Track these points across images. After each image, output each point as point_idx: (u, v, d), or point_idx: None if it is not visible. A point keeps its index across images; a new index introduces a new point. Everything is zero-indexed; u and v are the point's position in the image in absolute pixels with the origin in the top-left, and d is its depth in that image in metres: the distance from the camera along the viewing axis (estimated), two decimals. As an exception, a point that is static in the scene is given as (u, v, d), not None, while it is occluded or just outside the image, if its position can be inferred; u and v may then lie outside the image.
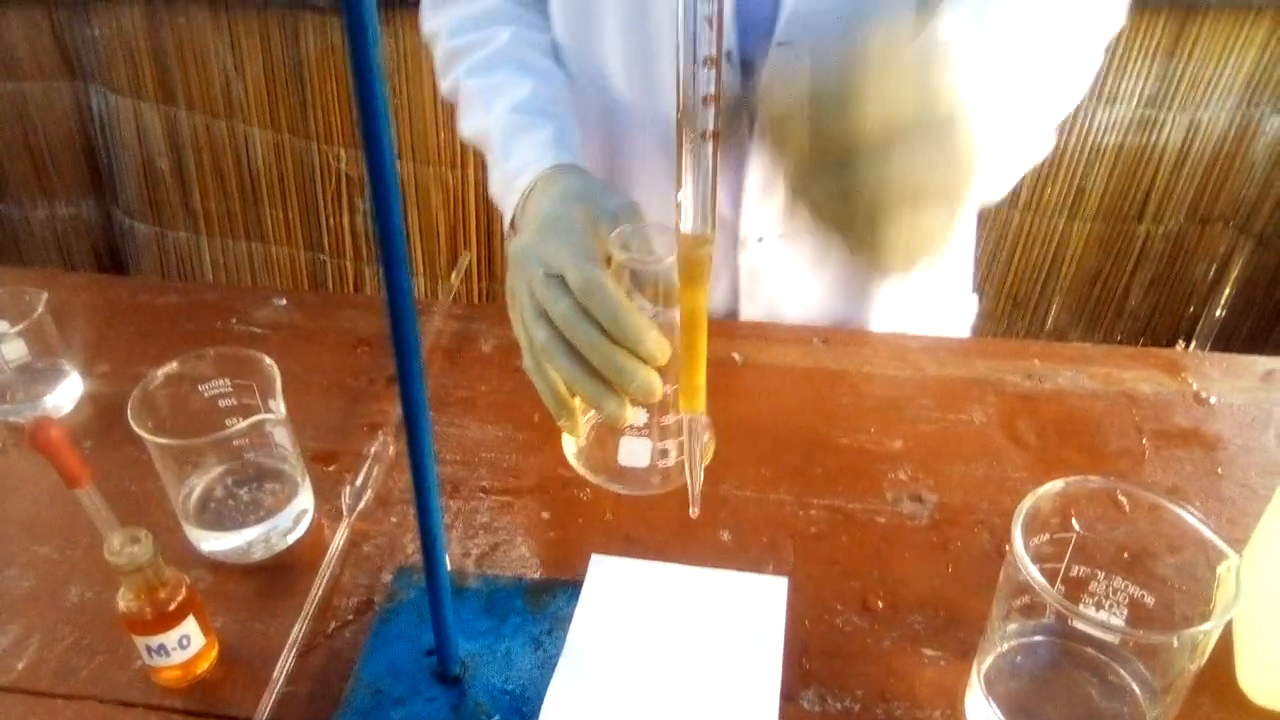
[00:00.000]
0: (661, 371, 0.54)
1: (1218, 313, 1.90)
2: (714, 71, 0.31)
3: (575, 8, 0.77)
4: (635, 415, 0.58)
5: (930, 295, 0.87)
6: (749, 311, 0.83)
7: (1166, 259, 1.83)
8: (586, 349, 0.54)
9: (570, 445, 0.65)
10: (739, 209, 0.77)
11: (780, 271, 0.81)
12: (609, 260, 0.56)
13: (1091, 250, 1.81)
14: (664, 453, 0.61)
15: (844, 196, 0.47)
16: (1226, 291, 1.87)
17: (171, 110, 1.78)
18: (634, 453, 0.60)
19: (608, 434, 0.62)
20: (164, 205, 1.89)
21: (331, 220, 1.86)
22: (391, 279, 0.39)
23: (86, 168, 1.89)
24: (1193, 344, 1.93)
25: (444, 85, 0.82)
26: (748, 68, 0.72)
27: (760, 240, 0.79)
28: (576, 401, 0.59)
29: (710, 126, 0.32)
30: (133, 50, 1.73)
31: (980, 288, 0.97)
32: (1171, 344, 1.92)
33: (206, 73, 1.73)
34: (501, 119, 0.73)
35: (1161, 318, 1.91)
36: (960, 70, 0.48)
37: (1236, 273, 1.84)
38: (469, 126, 0.78)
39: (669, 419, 0.59)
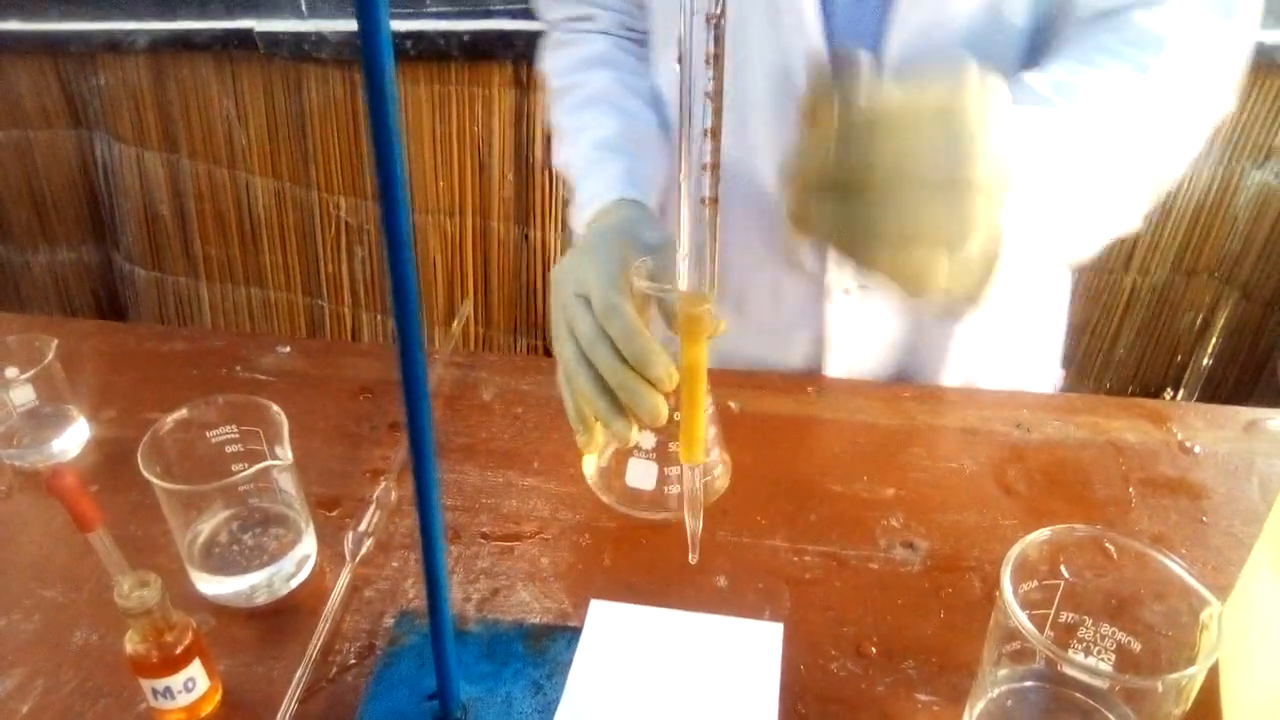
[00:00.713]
0: (671, 398, 0.57)
1: (1204, 362, 1.92)
2: (714, 143, 0.33)
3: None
4: (643, 438, 0.61)
5: (1013, 358, 0.87)
6: (834, 364, 0.84)
7: (1153, 309, 1.86)
8: (603, 369, 0.57)
9: (590, 465, 0.68)
10: (824, 261, 0.78)
11: (867, 325, 0.82)
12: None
13: (1080, 300, 1.85)
14: (670, 478, 0.63)
15: (845, 222, 0.47)
16: (1213, 342, 1.90)
17: (174, 158, 1.81)
18: (640, 475, 0.63)
19: (622, 457, 0.64)
20: (165, 251, 1.91)
21: (330, 267, 1.89)
22: (404, 327, 0.40)
23: (88, 213, 1.92)
24: (1180, 393, 1.95)
25: (549, 120, 0.87)
26: None
27: (846, 292, 0.80)
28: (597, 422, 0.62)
29: (708, 193, 0.33)
30: (138, 99, 1.76)
31: (1069, 359, 0.98)
32: (1159, 393, 1.94)
33: (209, 122, 1.76)
34: (583, 153, 0.78)
35: (1149, 367, 1.93)
36: (1013, 139, 0.49)
37: (1222, 323, 1.87)
38: (559, 158, 0.83)
39: (676, 446, 0.61)
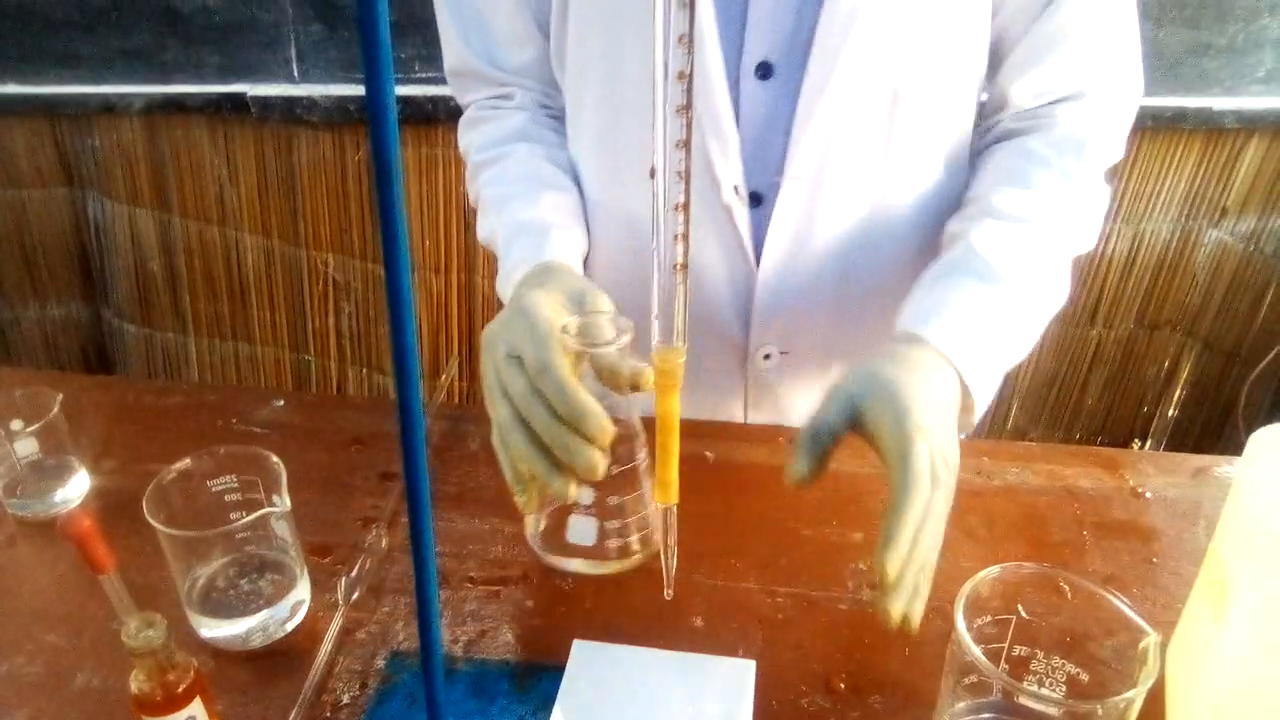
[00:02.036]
0: (610, 452, 0.58)
1: (1170, 413, 1.98)
2: (684, 215, 0.37)
3: (592, 136, 0.84)
4: (582, 494, 0.63)
5: None
6: (755, 419, 0.90)
7: (1119, 362, 1.92)
8: (538, 426, 0.58)
9: (530, 526, 0.70)
10: (748, 330, 0.84)
11: (785, 385, 0.88)
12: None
13: (1048, 353, 1.90)
14: (611, 532, 0.66)
15: None
16: (1177, 393, 1.96)
17: (165, 216, 1.85)
18: (581, 531, 0.65)
19: (561, 515, 0.67)
20: (154, 307, 1.94)
21: (317, 322, 1.92)
22: (401, 368, 0.44)
23: (79, 270, 1.95)
24: (1148, 443, 2.00)
25: (470, 193, 0.89)
26: (758, 198, 0.79)
27: (767, 357, 0.85)
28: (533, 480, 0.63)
29: (679, 260, 0.38)
30: (131, 160, 1.80)
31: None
32: (1128, 443, 2.00)
33: (201, 181, 1.81)
34: (508, 221, 0.79)
35: (1116, 418, 1.99)
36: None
37: (1186, 375, 1.93)
38: (484, 230, 0.84)
39: (615, 499, 0.64)
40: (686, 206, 0.37)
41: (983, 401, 0.68)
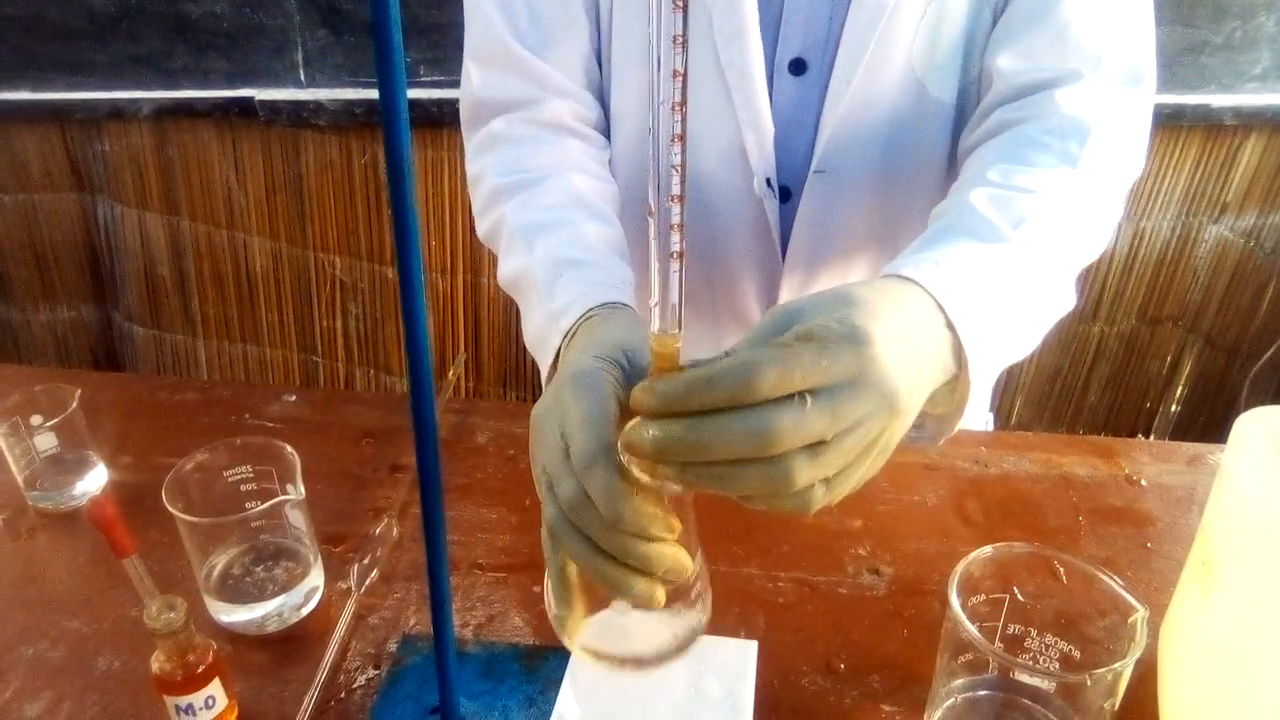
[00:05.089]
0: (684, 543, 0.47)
1: (1173, 408, 1.99)
2: (680, 206, 0.39)
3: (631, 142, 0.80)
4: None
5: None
6: None
7: (1121, 358, 1.93)
8: (596, 536, 0.46)
9: (578, 641, 0.51)
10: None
11: None
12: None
13: (1050, 349, 1.92)
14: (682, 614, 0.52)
15: None
16: (1179, 388, 1.97)
17: (174, 220, 1.88)
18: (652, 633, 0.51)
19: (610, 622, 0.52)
20: (163, 309, 1.97)
21: (325, 323, 1.94)
22: (415, 369, 0.46)
23: (89, 274, 1.97)
24: (1151, 437, 2.02)
25: (483, 227, 0.77)
26: (787, 192, 0.80)
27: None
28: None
29: (676, 249, 0.40)
30: (140, 164, 1.83)
31: (995, 408, 0.99)
32: (1130, 438, 2.01)
33: (209, 185, 1.83)
34: (550, 254, 0.65)
35: (1119, 413, 2.00)
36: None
37: (1188, 370, 1.95)
38: (510, 267, 0.70)
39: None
40: (683, 198, 0.39)
41: (979, 369, 0.52)
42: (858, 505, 0.76)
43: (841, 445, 0.44)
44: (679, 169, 0.38)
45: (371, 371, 1.99)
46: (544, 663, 0.62)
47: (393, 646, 0.64)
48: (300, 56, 1.68)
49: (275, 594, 0.65)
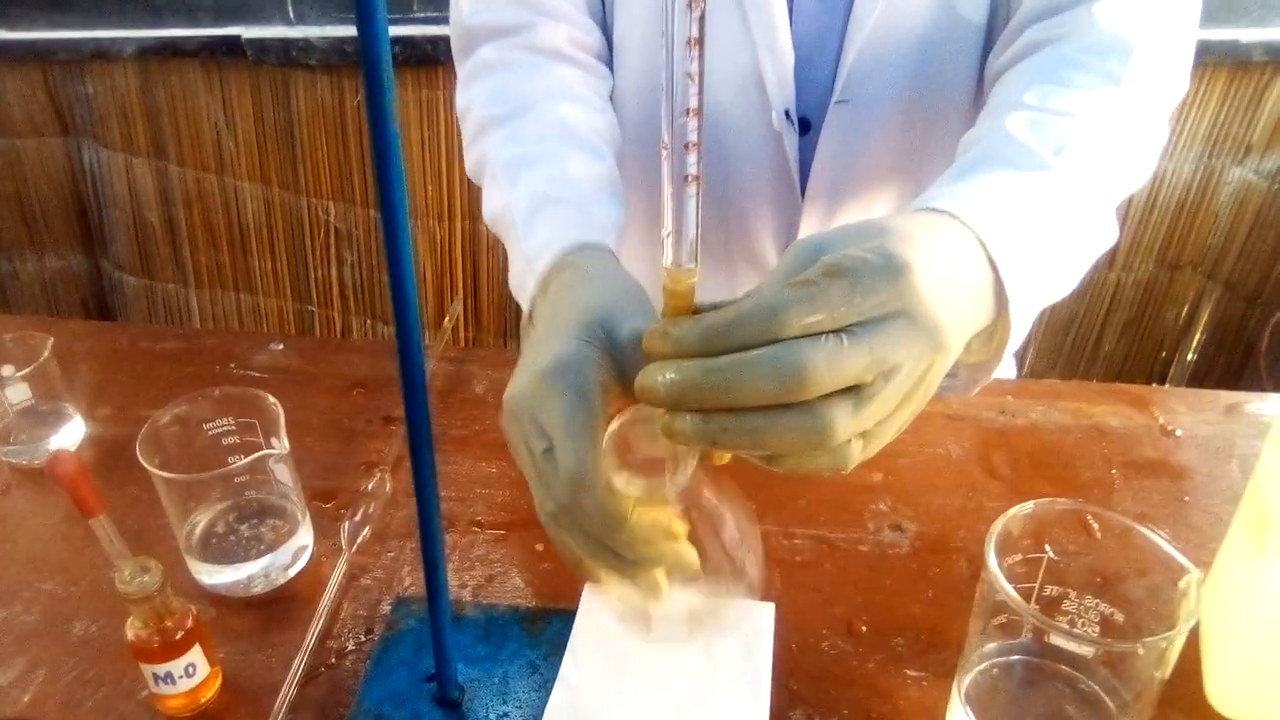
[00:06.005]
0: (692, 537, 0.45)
1: (1190, 356, 1.95)
2: (696, 120, 0.34)
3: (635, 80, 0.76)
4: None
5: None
6: None
7: (1138, 305, 1.88)
8: (597, 534, 0.44)
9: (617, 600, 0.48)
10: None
11: None
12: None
13: (1066, 297, 1.87)
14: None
15: None
16: (1198, 335, 1.92)
17: (163, 165, 1.82)
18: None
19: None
20: (153, 258, 1.92)
21: (319, 272, 1.89)
22: (401, 319, 0.42)
23: (77, 222, 1.92)
24: (1167, 386, 1.97)
25: (470, 161, 0.72)
26: (806, 124, 0.75)
27: None
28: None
29: (691, 171, 0.35)
30: (125, 107, 1.76)
31: (1019, 354, 0.93)
32: (1161, 385, 1.97)
33: (198, 129, 1.77)
34: (528, 191, 0.61)
35: (1135, 362, 1.95)
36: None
37: (1206, 317, 1.90)
38: (492, 205, 0.66)
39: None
40: (698, 111, 0.34)
41: (1020, 312, 0.48)
42: (877, 458, 0.71)
43: (884, 392, 0.39)
44: (694, 76, 0.33)
45: (369, 321, 1.95)
46: (547, 625, 0.58)
47: (386, 609, 0.60)
48: (288, -9, 1.61)
49: (261, 554, 0.61)
